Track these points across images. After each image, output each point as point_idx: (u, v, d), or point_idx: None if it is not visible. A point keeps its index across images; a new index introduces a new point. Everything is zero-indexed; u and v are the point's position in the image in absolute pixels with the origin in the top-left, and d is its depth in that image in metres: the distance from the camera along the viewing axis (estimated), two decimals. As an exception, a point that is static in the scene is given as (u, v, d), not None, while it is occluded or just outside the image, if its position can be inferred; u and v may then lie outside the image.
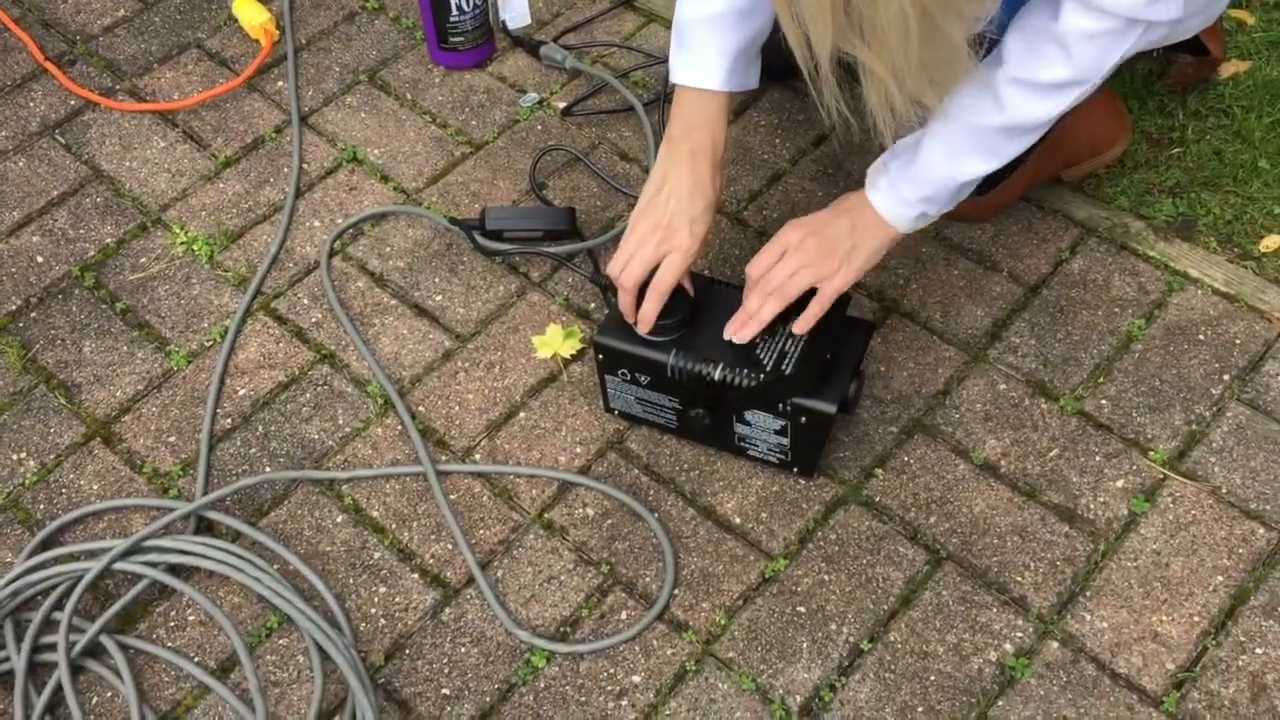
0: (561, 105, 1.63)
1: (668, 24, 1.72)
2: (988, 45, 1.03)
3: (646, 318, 1.20)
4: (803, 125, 1.58)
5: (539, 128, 1.61)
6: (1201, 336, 1.33)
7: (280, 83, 1.68)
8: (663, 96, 1.61)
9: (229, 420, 1.34)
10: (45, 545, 1.24)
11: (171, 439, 1.32)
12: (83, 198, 1.55)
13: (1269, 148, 1.45)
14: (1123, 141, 1.42)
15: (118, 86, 1.68)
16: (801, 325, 1.17)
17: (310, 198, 1.55)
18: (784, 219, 1.46)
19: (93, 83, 1.68)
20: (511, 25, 1.74)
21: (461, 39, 1.65)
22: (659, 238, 1.20)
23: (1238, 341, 1.32)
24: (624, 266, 1.21)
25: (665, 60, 1.65)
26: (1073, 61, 1.05)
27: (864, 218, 1.18)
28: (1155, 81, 1.52)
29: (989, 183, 1.25)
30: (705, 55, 1.20)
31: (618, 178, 1.54)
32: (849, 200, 1.21)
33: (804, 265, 1.17)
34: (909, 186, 1.15)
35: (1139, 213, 1.42)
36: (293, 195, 1.54)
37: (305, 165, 1.58)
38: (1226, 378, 1.29)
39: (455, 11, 1.62)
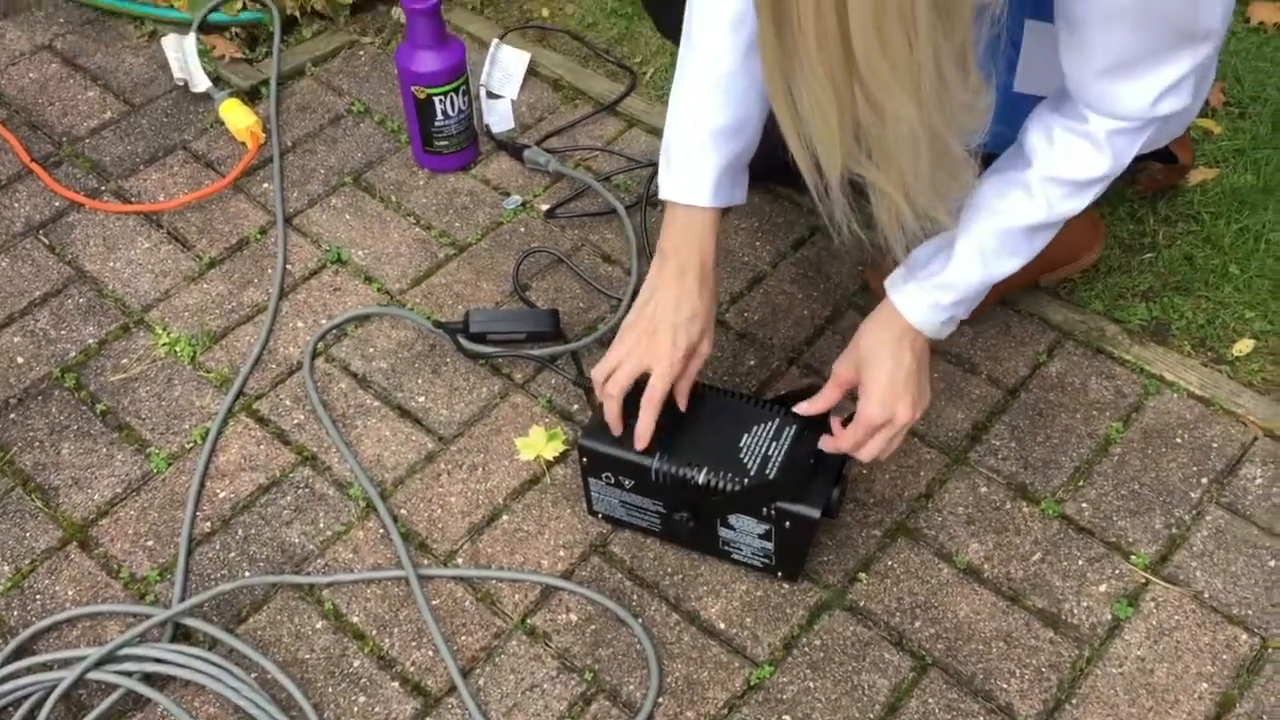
0: (544, 208, 1.66)
1: (648, 129, 1.75)
2: (981, 155, 1.06)
3: (642, 434, 1.20)
4: (782, 228, 1.61)
5: (522, 230, 1.63)
6: (1179, 440, 1.34)
7: (266, 184, 1.70)
8: (644, 200, 1.63)
9: (208, 524, 1.32)
10: (18, 653, 1.22)
11: (149, 543, 1.31)
12: (65, 298, 1.55)
13: (1238, 253, 1.48)
14: (1097, 248, 1.45)
15: (103, 188, 1.69)
16: (860, 452, 1.18)
17: (294, 298, 1.55)
18: (765, 321, 1.49)
19: (78, 184, 1.69)
20: (495, 129, 1.77)
21: (446, 143, 1.68)
22: (644, 347, 1.20)
23: (1214, 445, 1.33)
24: (607, 375, 1.22)
25: (646, 164, 1.68)
26: (1108, 157, 1.09)
27: (915, 338, 1.18)
28: (1126, 188, 1.56)
29: None
30: (693, 172, 1.22)
31: (600, 279, 1.56)
32: (886, 333, 1.19)
33: (897, 431, 1.18)
34: (943, 293, 1.16)
35: (1114, 317, 1.44)
36: (276, 296, 1.55)
37: (289, 266, 1.59)
38: (1204, 481, 1.31)
39: (440, 116, 1.65)
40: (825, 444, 1.19)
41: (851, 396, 1.19)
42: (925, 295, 1.16)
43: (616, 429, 1.21)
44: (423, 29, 1.59)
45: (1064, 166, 1.11)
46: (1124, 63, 1.03)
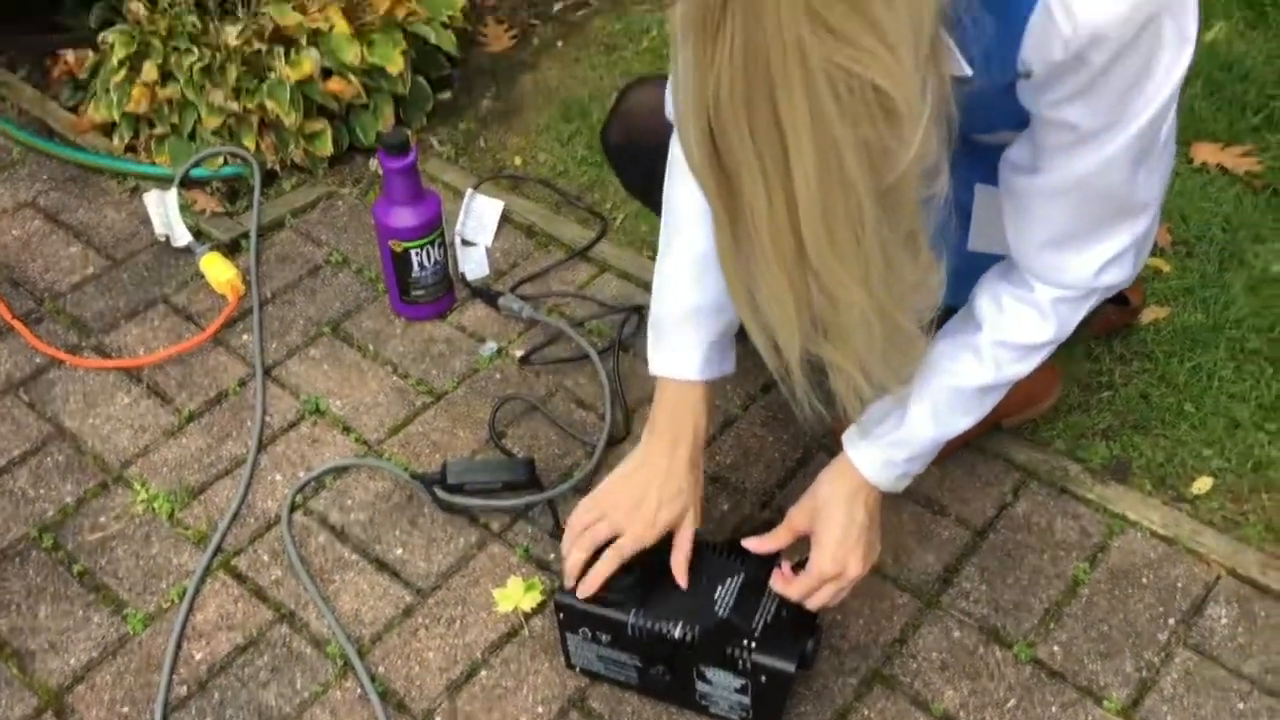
0: (519, 354, 1.69)
1: (619, 273, 1.80)
2: (935, 321, 1.10)
3: (589, 581, 1.22)
4: (751, 372, 1.64)
5: (498, 376, 1.67)
6: (1144, 580, 1.37)
7: (245, 336, 1.73)
8: (616, 344, 1.67)
9: (184, 688, 1.32)
10: (-9, 828, 1.21)
11: (125, 709, 1.30)
12: (44, 456, 1.57)
13: (1192, 391, 1.53)
14: (1055, 393, 1.50)
15: (84, 343, 1.72)
16: (808, 601, 1.21)
17: (272, 451, 1.57)
18: (737, 464, 1.51)
19: (59, 340, 1.72)
20: (470, 276, 1.81)
21: (423, 293, 1.72)
22: (623, 512, 1.23)
23: (1179, 585, 1.36)
24: (585, 527, 1.24)
25: (618, 309, 1.73)
26: (1052, 324, 1.14)
27: (869, 494, 1.22)
28: (1081, 328, 1.61)
29: None
30: (682, 348, 1.27)
31: (575, 425, 1.59)
32: (841, 487, 1.23)
33: (845, 585, 1.21)
34: (896, 449, 1.20)
35: (1075, 456, 1.48)
36: (255, 449, 1.57)
37: (268, 418, 1.61)
38: (1171, 622, 1.33)
39: (417, 268, 1.69)
40: (775, 583, 1.22)
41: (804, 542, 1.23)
42: (880, 452, 1.20)
43: (571, 581, 1.23)
44: (399, 186, 1.65)
45: (1012, 332, 1.15)
46: (1066, 236, 1.08)
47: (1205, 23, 2.06)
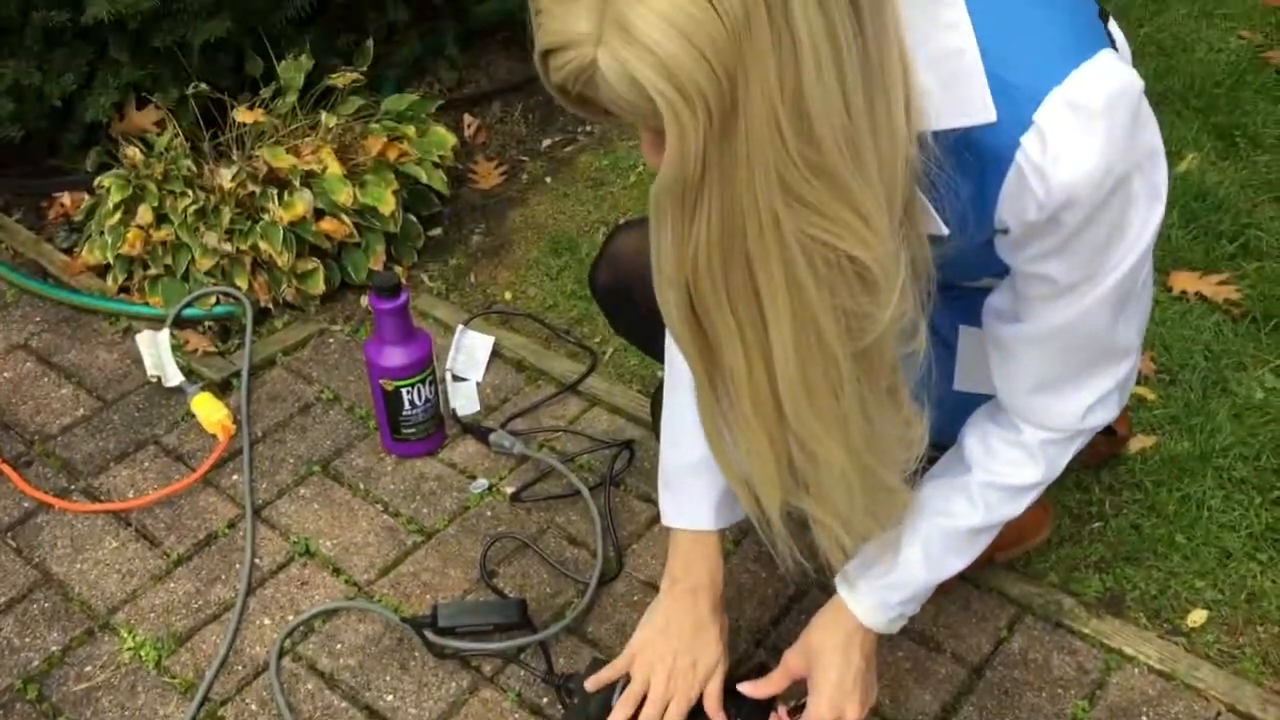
0: (510, 490, 1.69)
1: (609, 408, 1.81)
2: (921, 465, 1.11)
3: None
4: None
5: (489, 514, 1.66)
6: (1144, 717, 1.35)
7: (235, 476, 1.73)
8: (608, 480, 1.67)
9: (170, 846, 1.29)
10: None
11: None
12: (30, 603, 1.55)
13: (1182, 521, 1.53)
14: (1046, 528, 1.50)
15: (73, 486, 1.71)
16: None
17: (261, 594, 1.56)
18: (731, 602, 1.50)
19: (48, 483, 1.72)
20: (461, 412, 1.82)
21: (414, 430, 1.73)
22: (665, 676, 1.25)
23: (1180, 722, 1.35)
24: (638, 700, 1.25)
25: (609, 445, 1.73)
26: (1041, 466, 1.15)
27: (864, 637, 1.22)
28: (1070, 461, 1.62)
29: None
30: (693, 499, 1.28)
31: (567, 563, 1.58)
32: (836, 630, 1.23)
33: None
34: (890, 592, 1.20)
35: (1069, 589, 1.48)
36: (244, 593, 1.55)
37: (257, 560, 1.60)
38: (1174, 760, 1.31)
39: (408, 406, 1.70)
40: None
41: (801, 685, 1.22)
42: (874, 595, 1.20)
43: None
44: (390, 326, 1.66)
45: (1001, 474, 1.16)
46: (1051, 381, 1.10)
47: (1178, 154, 2.12)
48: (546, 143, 2.44)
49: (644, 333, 1.49)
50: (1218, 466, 1.59)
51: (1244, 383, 1.70)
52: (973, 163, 0.97)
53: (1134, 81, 0.95)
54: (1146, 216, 1.01)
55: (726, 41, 0.75)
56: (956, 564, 1.19)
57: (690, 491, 1.30)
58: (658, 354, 1.39)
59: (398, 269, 2.09)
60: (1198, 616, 1.42)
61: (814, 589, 1.52)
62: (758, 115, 0.78)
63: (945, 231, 1.01)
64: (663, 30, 0.74)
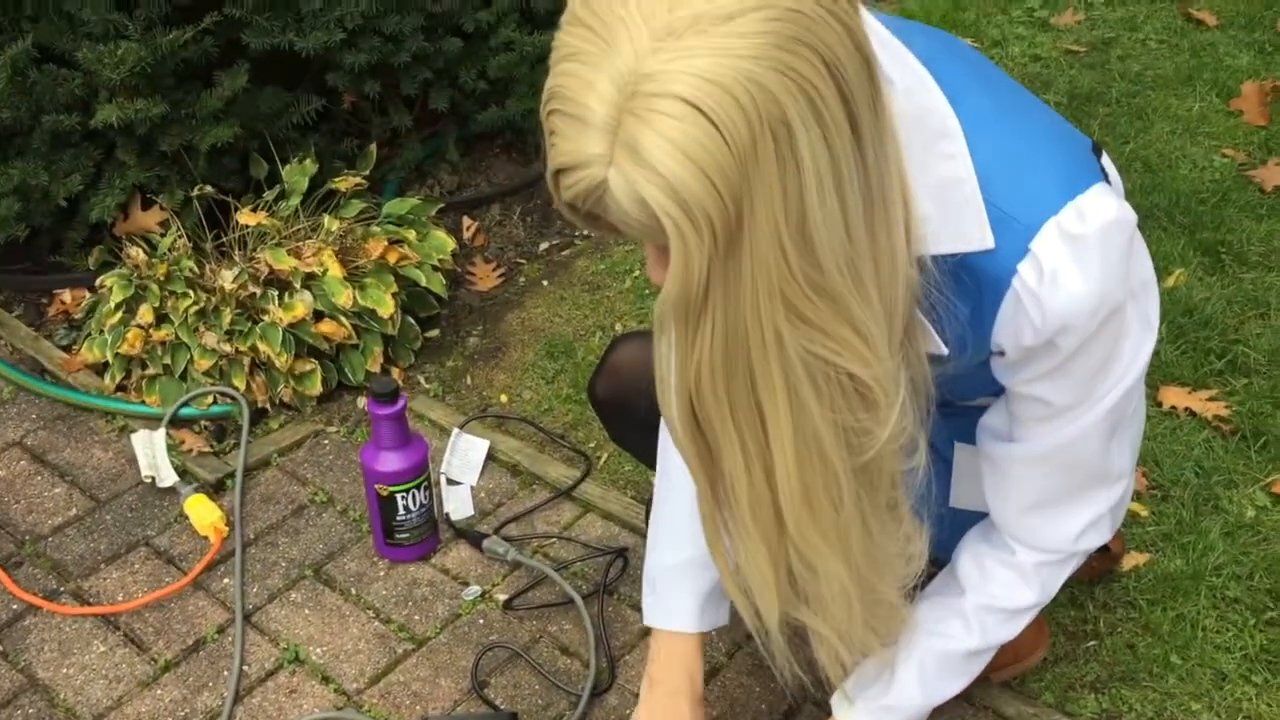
0: (503, 598, 1.68)
1: (604, 514, 1.81)
2: (920, 580, 1.11)
3: None
4: (736, 615, 1.63)
5: (481, 621, 1.65)
6: (1142, 844, 1.34)
7: (226, 580, 1.72)
8: (602, 588, 1.67)
9: None
10: None
11: None
12: (15, 709, 1.53)
13: (1177, 641, 1.53)
14: (1042, 649, 1.50)
15: (62, 588, 1.70)
16: None
17: (249, 703, 1.54)
18: (724, 716, 1.49)
19: (37, 585, 1.70)
20: (455, 516, 1.82)
21: (407, 535, 1.72)
22: None
23: None
24: None
25: (603, 552, 1.73)
26: (1036, 588, 1.15)
27: None
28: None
29: None
30: (677, 600, 1.28)
31: (559, 674, 1.56)
32: None
33: None
34: (886, 714, 1.20)
35: (1065, 710, 1.47)
36: (231, 702, 1.53)
37: (246, 668, 1.59)
38: None
39: (403, 512, 1.70)
40: None
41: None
42: (869, 715, 1.19)
43: None
44: (387, 431, 1.67)
45: (996, 597, 1.16)
46: (1044, 502, 1.11)
47: (1165, 270, 2.16)
48: (544, 246, 2.48)
49: (642, 443, 1.50)
50: (1211, 585, 1.59)
51: (1235, 500, 1.71)
52: (971, 286, 1.00)
53: (1128, 215, 0.98)
54: (1139, 344, 1.03)
55: (734, 168, 0.78)
56: (952, 687, 1.19)
57: (674, 593, 1.30)
58: (655, 464, 1.40)
59: (394, 371, 2.11)
60: (1194, 741, 1.42)
61: (809, 704, 1.51)
62: (762, 238, 0.81)
63: (945, 351, 1.03)
64: (672, 155, 0.77)
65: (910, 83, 0.96)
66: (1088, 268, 0.96)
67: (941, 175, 0.97)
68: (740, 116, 0.77)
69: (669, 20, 0.77)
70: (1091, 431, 1.06)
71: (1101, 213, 0.96)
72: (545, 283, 2.36)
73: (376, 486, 1.68)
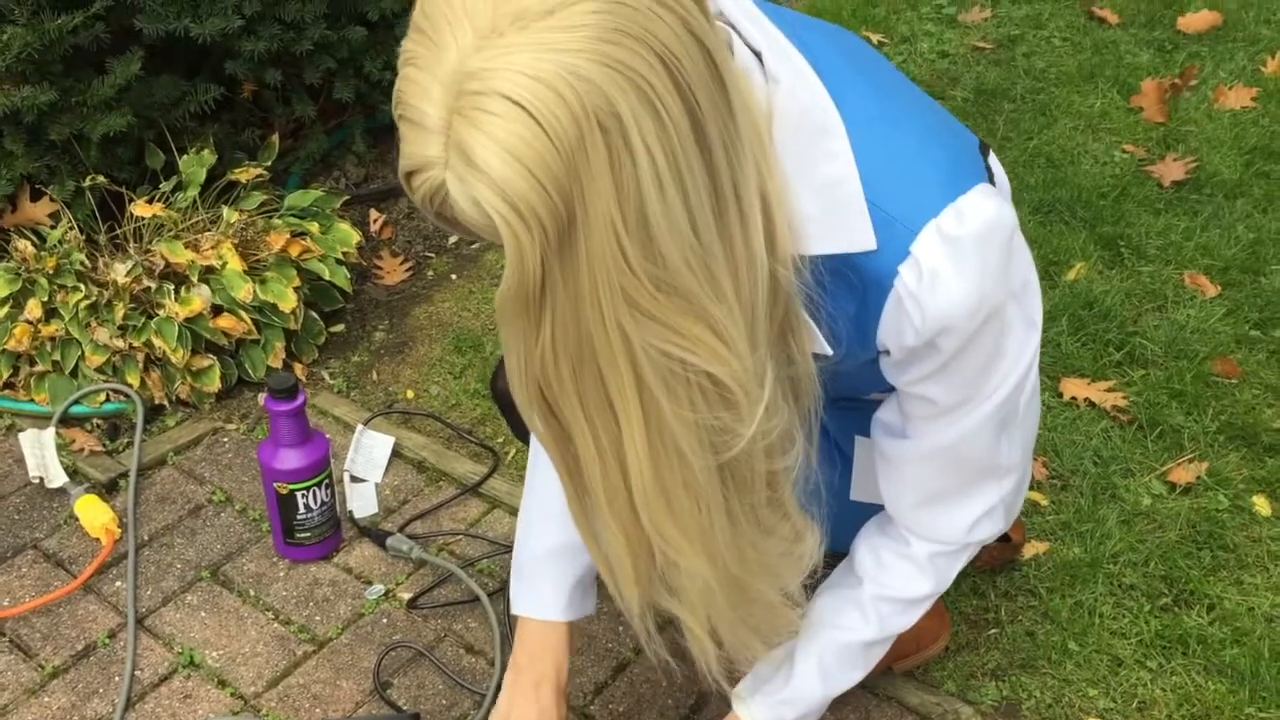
0: (407, 596, 1.65)
1: (511, 510, 1.79)
2: (815, 581, 1.10)
3: None
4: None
5: (384, 621, 1.62)
6: (1040, 829, 1.35)
7: (119, 583, 1.66)
8: (508, 585, 1.64)
9: None
10: None
11: None
12: (-110, 721, 1.47)
13: (1075, 628, 1.55)
14: (944, 638, 1.51)
15: (-56, 592, 1.64)
16: None
17: (141, 709, 1.49)
18: (631, 712, 1.48)
19: (-83, 589, 1.64)
20: (359, 514, 1.78)
21: (308, 534, 1.68)
22: None
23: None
24: None
25: (509, 548, 1.70)
26: (931, 578, 1.16)
27: None
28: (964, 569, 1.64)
29: None
30: (544, 588, 1.26)
31: (463, 673, 1.54)
32: None
33: None
34: (785, 708, 1.19)
35: (966, 698, 1.48)
36: (122, 707, 1.49)
37: (138, 673, 1.54)
38: None
39: (303, 510, 1.66)
40: None
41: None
42: (768, 710, 1.19)
43: None
44: (285, 428, 1.63)
45: (892, 587, 1.17)
46: (936, 496, 1.12)
47: (1066, 263, 2.20)
48: (453, 239, 2.44)
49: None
50: (1108, 573, 1.62)
51: (1132, 489, 1.75)
52: (856, 286, 1.00)
53: (1006, 216, 0.99)
54: (1022, 344, 1.04)
55: (560, 165, 0.76)
56: (851, 677, 1.19)
57: (540, 581, 1.28)
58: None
59: (296, 366, 2.06)
60: (1091, 725, 1.44)
61: (714, 699, 1.50)
62: (597, 233, 0.79)
63: (829, 351, 1.03)
64: (498, 155, 0.76)
65: (793, 79, 0.95)
66: (966, 269, 0.96)
67: (824, 174, 0.96)
68: (565, 112, 0.75)
69: (493, 18, 0.76)
70: (979, 428, 1.07)
71: (980, 214, 0.96)
72: (454, 276, 2.32)
73: (276, 485, 1.64)
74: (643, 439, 0.89)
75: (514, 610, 1.29)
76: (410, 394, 2.03)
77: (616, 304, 0.83)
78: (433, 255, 2.40)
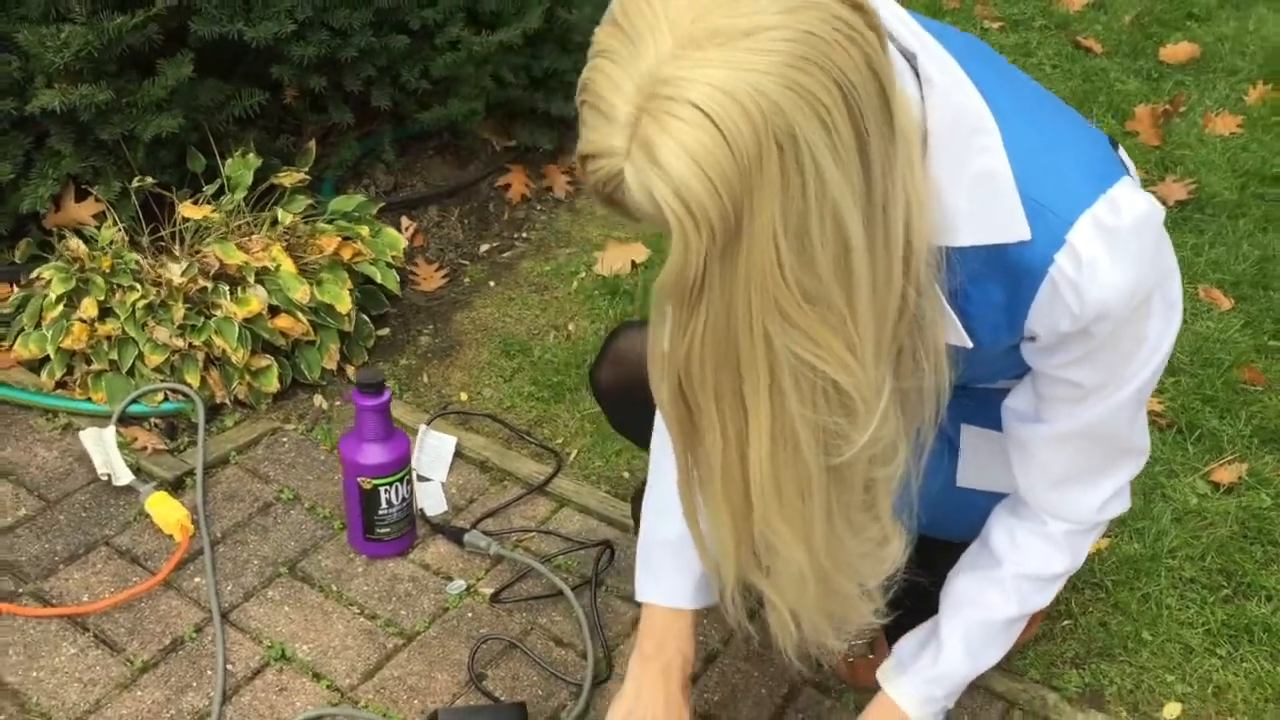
0: (489, 591, 1.67)
1: (580, 508, 1.82)
2: (898, 586, 1.14)
3: None
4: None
5: (469, 615, 1.63)
6: (1137, 805, 1.41)
7: (198, 579, 1.66)
8: (594, 581, 1.67)
9: None
10: None
11: None
12: (-15, 715, 1.44)
13: (1145, 619, 1.62)
14: (1035, 626, 1.57)
15: (20, 590, 1.61)
16: None
17: (238, 702, 1.49)
18: (725, 701, 1.51)
19: (-7, 586, 1.61)
20: (430, 512, 1.79)
21: (388, 530, 1.69)
22: None
23: (1170, 808, 1.41)
24: None
25: (588, 545, 1.73)
26: (1067, 555, 1.21)
27: None
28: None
29: None
30: (672, 576, 1.30)
31: (556, 665, 1.56)
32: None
33: None
34: (934, 686, 1.24)
35: (1051, 685, 1.54)
36: (219, 700, 1.48)
37: (230, 666, 1.53)
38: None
39: (385, 505, 1.67)
40: None
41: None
42: (920, 689, 1.23)
43: None
44: (372, 423, 1.64)
45: (1030, 565, 1.22)
46: (1072, 477, 1.17)
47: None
48: (485, 248, 2.47)
49: (645, 429, 1.51)
50: (1169, 567, 1.69)
51: (1178, 489, 1.83)
52: (1006, 274, 1.05)
53: (1158, 208, 1.05)
54: (1164, 327, 1.09)
55: (737, 175, 0.82)
56: (994, 654, 1.24)
57: (669, 568, 1.32)
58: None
59: (349, 368, 2.07)
60: (1173, 709, 1.50)
61: (806, 687, 1.54)
62: (760, 243, 0.85)
63: (968, 343, 1.08)
64: (680, 157, 0.82)
65: (948, 82, 1.01)
66: (1123, 258, 1.02)
67: (977, 168, 1.01)
68: (748, 127, 0.81)
69: (691, 30, 0.82)
70: (1119, 410, 1.12)
71: (1134, 206, 1.02)
72: (492, 283, 2.35)
73: (360, 479, 1.65)
74: (767, 434, 0.94)
75: (640, 597, 1.32)
76: (464, 396, 2.05)
77: (767, 310, 0.88)
78: (467, 263, 2.42)
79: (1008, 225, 1.02)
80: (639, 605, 1.61)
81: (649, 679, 1.29)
